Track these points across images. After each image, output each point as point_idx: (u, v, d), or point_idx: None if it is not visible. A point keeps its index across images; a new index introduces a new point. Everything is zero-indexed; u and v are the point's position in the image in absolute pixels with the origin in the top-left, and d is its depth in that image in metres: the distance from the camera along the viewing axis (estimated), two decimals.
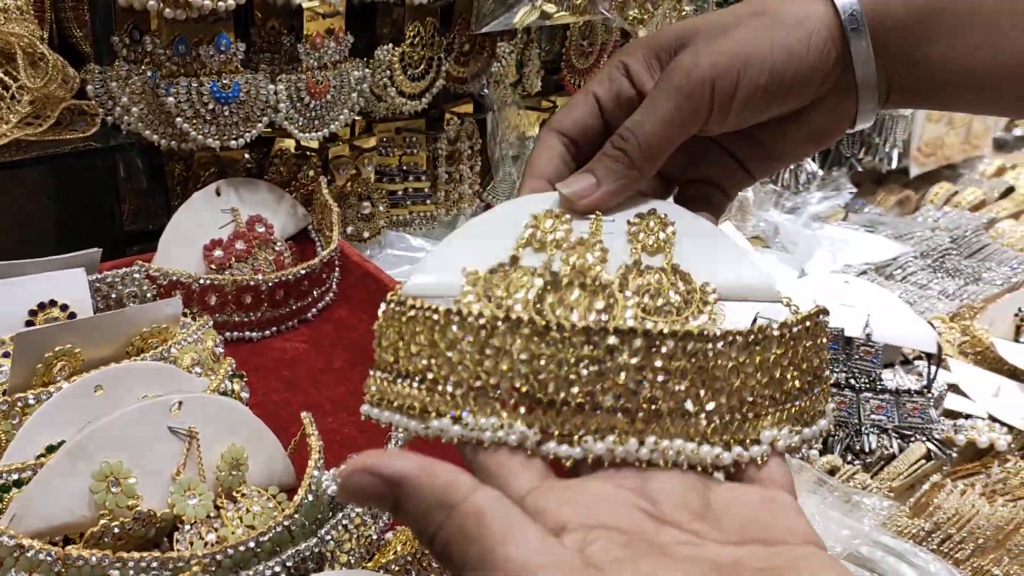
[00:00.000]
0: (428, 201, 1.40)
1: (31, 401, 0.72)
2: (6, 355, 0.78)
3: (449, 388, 0.41)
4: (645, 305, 0.46)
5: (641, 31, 1.29)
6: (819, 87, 0.54)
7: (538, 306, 0.45)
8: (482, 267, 0.47)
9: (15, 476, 0.66)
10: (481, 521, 0.34)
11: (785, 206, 1.91)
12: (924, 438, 1.13)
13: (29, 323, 0.82)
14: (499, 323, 0.41)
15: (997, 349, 1.32)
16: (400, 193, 1.38)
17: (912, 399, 1.18)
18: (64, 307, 0.84)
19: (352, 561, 0.67)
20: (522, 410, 0.41)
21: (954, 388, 1.25)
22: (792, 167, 1.97)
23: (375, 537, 0.71)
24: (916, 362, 1.27)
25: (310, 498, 0.69)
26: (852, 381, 1.21)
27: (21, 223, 1.18)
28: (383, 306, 0.44)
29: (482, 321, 0.41)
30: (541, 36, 1.49)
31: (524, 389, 0.41)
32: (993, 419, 1.19)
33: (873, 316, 1.27)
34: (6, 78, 0.97)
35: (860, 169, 2.15)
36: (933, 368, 1.21)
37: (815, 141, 0.58)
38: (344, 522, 0.68)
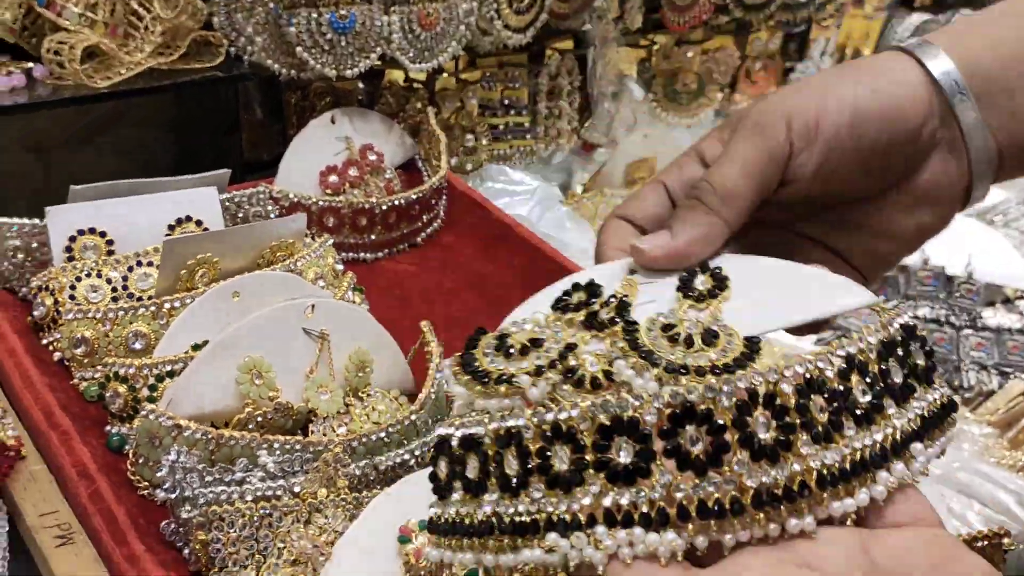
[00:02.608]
0: (528, 136, 1.44)
1: (176, 305, 0.78)
2: (150, 264, 0.84)
3: None
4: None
5: None
6: (914, 138, 0.50)
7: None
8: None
9: (168, 368, 0.72)
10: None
11: None
12: None
13: (168, 236, 0.88)
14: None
15: None
16: (501, 127, 1.41)
17: (1013, 337, 1.18)
18: (199, 223, 0.90)
19: None
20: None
21: None
22: None
23: None
24: (1018, 301, 1.26)
25: (433, 397, 0.73)
26: (952, 319, 1.21)
27: (146, 149, 1.25)
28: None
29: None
30: None
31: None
32: None
33: (975, 255, 1.26)
34: (140, 9, 1.03)
35: None
36: None
37: (924, 226, 0.53)
38: None
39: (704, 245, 0.48)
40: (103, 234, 0.86)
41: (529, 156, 1.44)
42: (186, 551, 0.62)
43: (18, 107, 1.01)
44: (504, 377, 0.42)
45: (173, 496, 0.60)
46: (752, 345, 0.43)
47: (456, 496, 0.40)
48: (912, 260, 1.27)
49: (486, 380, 0.42)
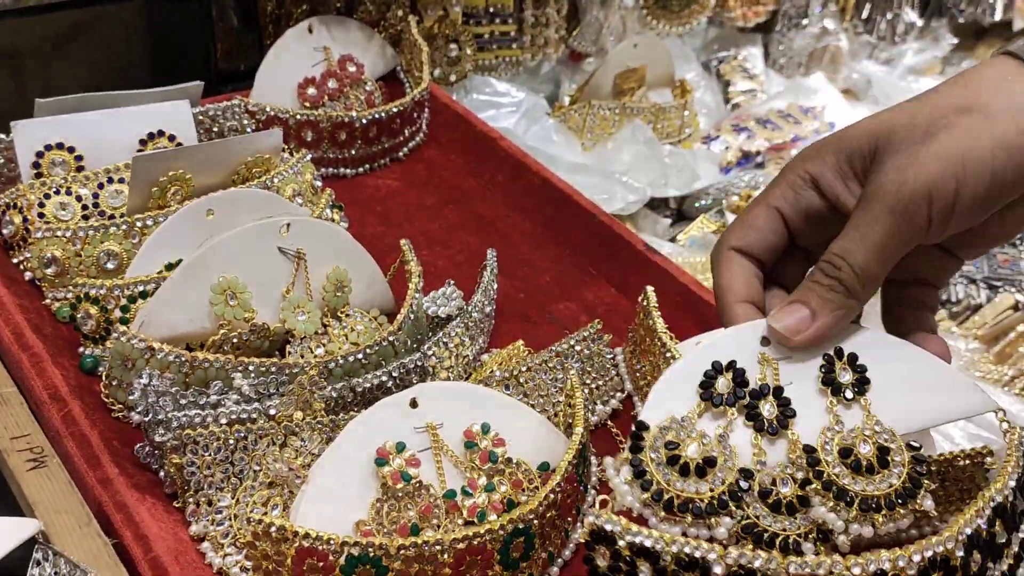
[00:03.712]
0: (514, 45, 1.39)
1: (149, 223, 0.76)
2: (121, 180, 0.81)
3: None
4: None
5: None
6: None
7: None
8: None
9: (140, 288, 0.70)
10: None
11: (880, 57, 1.84)
12: (1014, 289, 1.12)
13: (140, 151, 0.86)
14: None
15: None
16: (486, 36, 1.37)
17: (1003, 250, 1.17)
18: (171, 137, 0.87)
19: (451, 376, 0.71)
20: None
21: None
22: (889, 16, 1.89)
23: (472, 357, 0.74)
24: None
25: (411, 318, 0.72)
26: None
27: (117, 60, 1.21)
28: None
29: None
30: None
31: None
32: None
33: None
34: None
35: (961, 20, 2.04)
36: None
37: None
38: (444, 340, 0.71)
39: (841, 326, 0.52)
40: (71, 149, 0.84)
41: (515, 66, 1.40)
42: (161, 473, 0.61)
43: None
44: (689, 507, 0.48)
45: (147, 419, 0.59)
46: (919, 462, 0.49)
47: None
48: None
49: (668, 505, 0.48)
